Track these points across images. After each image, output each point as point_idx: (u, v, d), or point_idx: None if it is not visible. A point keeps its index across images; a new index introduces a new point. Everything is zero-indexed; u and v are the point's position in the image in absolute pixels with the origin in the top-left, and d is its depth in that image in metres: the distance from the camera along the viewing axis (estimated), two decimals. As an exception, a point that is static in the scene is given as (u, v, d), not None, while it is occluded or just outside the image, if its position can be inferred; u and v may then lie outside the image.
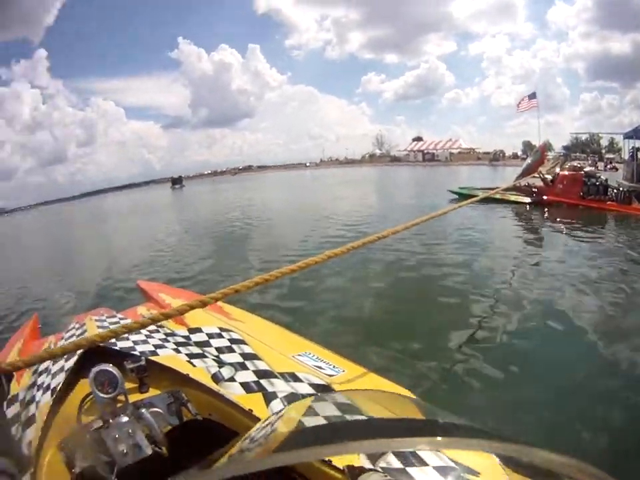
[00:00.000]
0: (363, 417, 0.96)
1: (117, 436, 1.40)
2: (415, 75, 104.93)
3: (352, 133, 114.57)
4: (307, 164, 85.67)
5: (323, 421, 0.88)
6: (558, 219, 12.49)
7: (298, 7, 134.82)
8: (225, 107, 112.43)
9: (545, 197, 14.70)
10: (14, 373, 1.95)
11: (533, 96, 23.23)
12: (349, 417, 0.92)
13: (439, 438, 0.66)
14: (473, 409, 3.24)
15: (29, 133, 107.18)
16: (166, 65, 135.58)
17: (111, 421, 1.45)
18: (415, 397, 1.66)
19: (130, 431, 1.43)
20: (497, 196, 14.56)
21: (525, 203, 14.91)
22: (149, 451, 1.41)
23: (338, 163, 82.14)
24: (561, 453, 0.58)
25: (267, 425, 0.95)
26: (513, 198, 15.22)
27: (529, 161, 17.00)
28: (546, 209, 13.98)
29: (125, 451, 1.38)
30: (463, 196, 14.91)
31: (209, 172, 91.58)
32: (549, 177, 15.17)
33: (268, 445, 0.84)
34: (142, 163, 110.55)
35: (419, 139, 78.81)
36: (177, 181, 61.06)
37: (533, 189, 15.23)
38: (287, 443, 0.81)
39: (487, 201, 14.29)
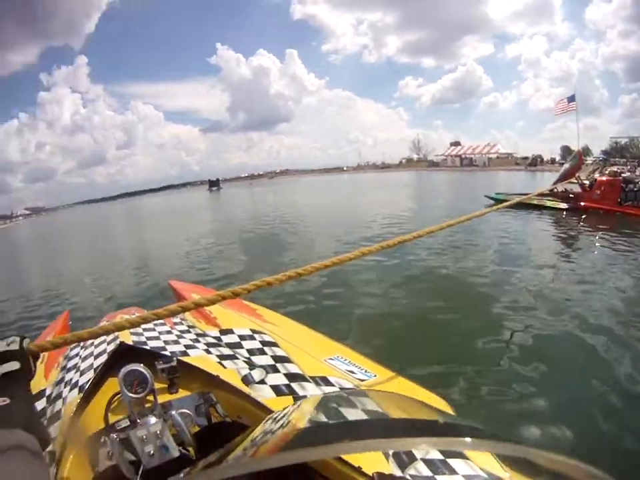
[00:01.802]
0: (371, 416, 0.92)
1: (144, 436, 1.38)
2: (451, 79, 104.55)
3: (389, 137, 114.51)
4: (345, 168, 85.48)
5: (335, 419, 0.90)
6: (595, 226, 12.14)
7: (334, 12, 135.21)
8: (263, 111, 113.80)
9: (582, 203, 14.45)
10: (41, 356, 1.67)
11: (571, 99, 22.77)
12: (356, 417, 0.90)
13: (440, 438, 0.70)
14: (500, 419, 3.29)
15: (69, 135, 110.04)
16: (205, 71, 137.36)
17: (138, 421, 1.44)
18: (446, 403, 1.69)
19: (157, 431, 1.40)
20: (534, 201, 14.69)
21: (562, 209, 14.70)
22: (175, 452, 1.39)
23: (375, 168, 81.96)
24: (562, 453, 0.59)
25: (277, 420, 0.95)
26: (549, 204, 15.05)
27: (566, 166, 16.54)
28: (583, 215, 13.69)
29: (151, 452, 1.36)
30: (499, 201, 14.62)
31: (246, 175, 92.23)
32: (587, 182, 14.94)
33: (276, 442, 0.82)
34: (180, 165, 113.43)
35: (456, 143, 78.04)
36: (214, 184, 61.58)
37: (570, 195, 15.02)
38: (294, 440, 0.81)
39: (524, 206, 14.48)
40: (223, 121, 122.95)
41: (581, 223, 13.03)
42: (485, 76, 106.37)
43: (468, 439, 0.67)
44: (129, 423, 1.45)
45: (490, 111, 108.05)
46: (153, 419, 1.44)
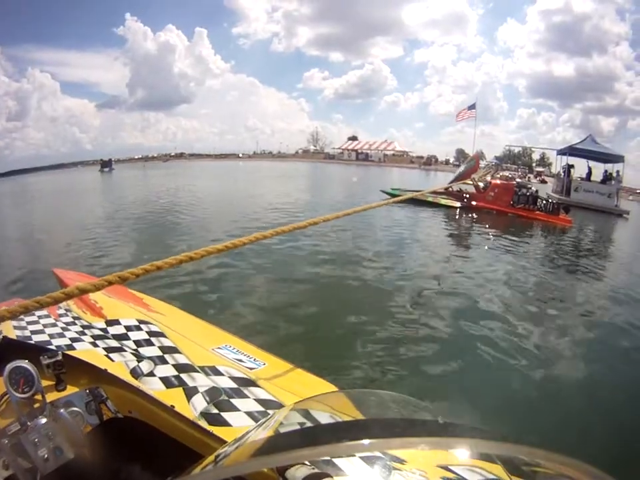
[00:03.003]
0: (370, 417, 0.96)
1: (36, 440, 1.32)
2: (358, 75, 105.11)
3: (288, 127, 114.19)
4: (240, 155, 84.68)
5: (332, 419, 0.91)
6: (487, 224, 12.90)
7: None
8: (164, 90, 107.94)
9: (475, 203, 14.99)
10: None
11: (472, 107, 23.92)
12: (355, 417, 0.91)
13: (440, 438, 0.67)
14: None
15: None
16: (110, 42, 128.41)
17: (29, 423, 1.36)
18: (336, 389, 1.67)
19: (50, 433, 1.34)
20: (430, 199, 15.05)
21: (456, 207, 15.13)
22: (70, 454, 1.34)
23: (271, 157, 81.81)
24: (561, 453, 0.57)
25: (269, 424, 0.96)
26: (444, 202, 15.42)
27: (462, 167, 17.36)
28: (476, 215, 14.27)
29: (45, 456, 1.30)
30: (395, 196, 14.74)
31: (140, 156, 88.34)
32: (482, 184, 15.51)
33: (274, 443, 0.84)
34: (72, 142, 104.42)
35: (354, 138, 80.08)
36: (106, 164, 58.53)
37: (465, 195, 15.50)
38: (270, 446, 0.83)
39: (419, 203, 14.70)
40: (120, 97, 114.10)
41: (474, 221, 13.74)
42: (390, 76, 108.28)
43: (468, 439, 0.68)
44: (19, 427, 1.35)
45: (391, 110, 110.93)
46: (43, 420, 1.37)
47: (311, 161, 67.89)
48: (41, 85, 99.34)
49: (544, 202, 14.43)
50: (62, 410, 1.42)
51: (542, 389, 3.81)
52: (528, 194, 14.42)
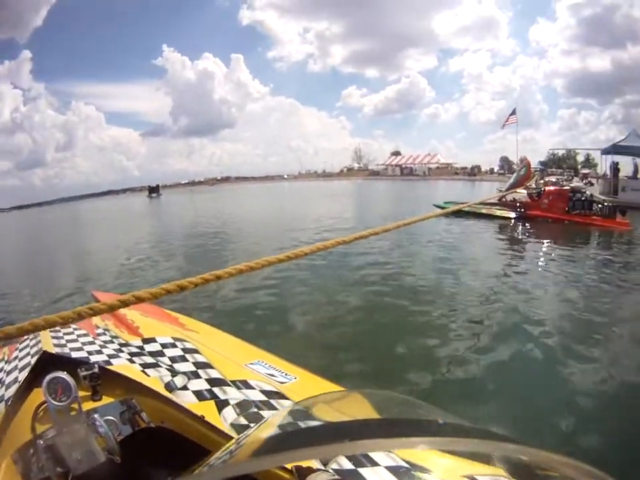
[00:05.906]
0: (369, 416, 0.92)
1: (70, 443, 1.40)
2: (395, 90, 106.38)
3: (331, 146, 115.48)
4: (285, 176, 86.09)
5: (330, 419, 0.89)
6: (542, 234, 12.61)
7: (282, 19, 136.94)
8: (206, 117, 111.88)
9: (530, 212, 14.77)
10: None
11: (513, 112, 23.77)
12: (352, 417, 0.87)
13: (436, 438, 0.67)
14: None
15: (8, 134, 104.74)
16: (149, 72, 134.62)
17: (64, 429, 1.44)
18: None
19: (83, 438, 1.43)
20: (483, 210, 15.06)
21: (510, 218, 14.95)
22: (102, 457, 1.41)
23: (316, 176, 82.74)
24: (561, 453, 0.57)
25: (267, 425, 0.97)
26: (498, 213, 15.31)
27: (514, 176, 17.14)
28: (531, 224, 14.11)
29: (79, 457, 1.38)
30: (448, 210, 14.82)
31: (187, 182, 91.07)
32: (534, 191, 15.34)
33: (271, 444, 0.79)
34: (121, 169, 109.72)
35: (397, 153, 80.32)
36: (154, 190, 60.37)
37: (518, 204, 15.31)
38: (269, 447, 0.79)
39: (473, 215, 14.78)
40: (165, 125, 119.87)
41: (530, 231, 13.54)
42: (428, 88, 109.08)
43: (468, 439, 0.67)
44: (55, 433, 1.43)
45: (431, 122, 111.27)
46: (78, 426, 1.45)
47: (356, 179, 68.21)
48: (87, 117, 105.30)
49: (599, 205, 14.01)
50: (96, 416, 1.51)
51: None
52: (583, 199, 14.08)
